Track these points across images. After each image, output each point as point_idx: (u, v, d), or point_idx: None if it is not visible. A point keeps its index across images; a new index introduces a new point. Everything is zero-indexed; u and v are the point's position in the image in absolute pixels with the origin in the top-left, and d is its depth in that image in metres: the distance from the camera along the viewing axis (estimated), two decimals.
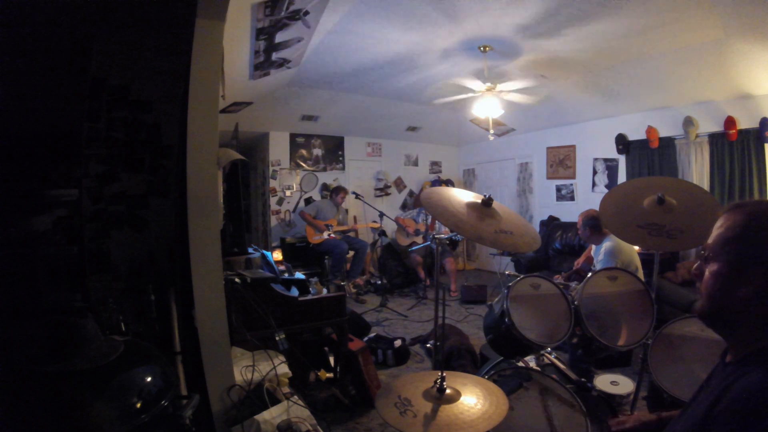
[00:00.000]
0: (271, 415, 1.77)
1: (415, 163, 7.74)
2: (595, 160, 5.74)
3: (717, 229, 0.85)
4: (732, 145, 4.28)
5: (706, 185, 4.46)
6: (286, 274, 2.85)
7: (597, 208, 2.02)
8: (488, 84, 4.52)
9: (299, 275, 2.89)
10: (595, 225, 3.25)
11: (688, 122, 4.58)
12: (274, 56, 4.02)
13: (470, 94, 4.75)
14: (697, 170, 4.64)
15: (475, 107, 4.83)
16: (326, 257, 4.96)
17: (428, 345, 3.55)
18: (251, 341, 2.06)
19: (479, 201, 1.58)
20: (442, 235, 2.81)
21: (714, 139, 4.44)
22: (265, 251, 3.01)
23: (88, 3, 1.92)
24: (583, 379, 2.10)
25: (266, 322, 2.16)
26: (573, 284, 2.59)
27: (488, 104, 4.66)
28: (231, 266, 2.47)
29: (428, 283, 5.67)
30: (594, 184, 5.79)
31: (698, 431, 0.76)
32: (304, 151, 6.65)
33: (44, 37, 2.10)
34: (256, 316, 2.17)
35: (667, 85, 4.52)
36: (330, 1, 3.21)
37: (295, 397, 1.93)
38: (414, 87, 5.43)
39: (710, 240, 0.85)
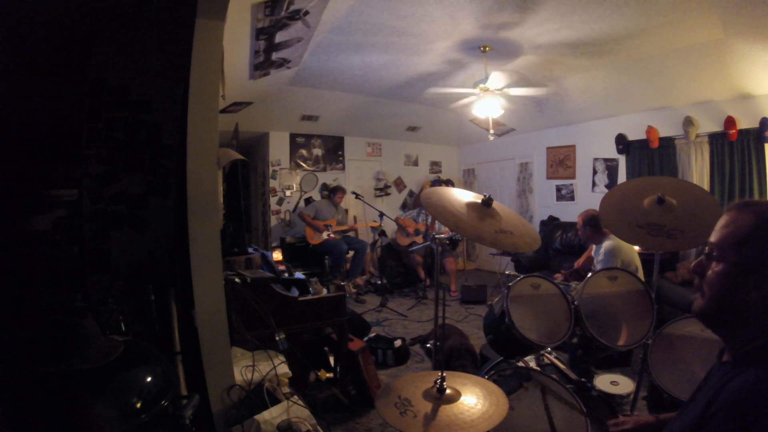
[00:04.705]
0: (271, 415, 1.77)
1: (415, 163, 7.73)
2: (595, 160, 5.74)
3: (723, 227, 0.82)
4: (732, 145, 4.28)
5: (706, 185, 4.46)
6: (286, 274, 2.85)
7: (597, 208, 2.01)
8: (488, 84, 4.52)
9: (299, 275, 2.89)
10: (595, 225, 3.25)
11: (688, 122, 4.58)
12: (274, 56, 4.02)
13: (470, 94, 4.75)
14: (697, 170, 4.63)
15: (475, 107, 4.83)
16: (326, 257, 4.95)
17: (428, 345, 3.55)
18: (251, 341, 2.06)
19: (479, 201, 1.58)
20: (442, 235, 2.81)
21: (714, 139, 4.44)
22: (265, 251, 3.01)
23: (88, 3, 1.92)
24: (583, 379, 2.10)
25: (266, 322, 2.16)
26: (573, 284, 2.59)
27: (488, 104, 4.66)
28: (231, 266, 2.47)
29: (428, 283, 5.66)
30: (594, 184, 5.78)
31: (694, 431, 0.76)
32: (304, 151, 6.65)
33: (44, 37, 2.09)
34: (256, 316, 2.17)
35: (667, 85, 4.52)
36: (330, 1, 3.22)
37: (295, 397, 1.93)
38: (414, 87, 5.43)
39: (715, 238, 0.82)
